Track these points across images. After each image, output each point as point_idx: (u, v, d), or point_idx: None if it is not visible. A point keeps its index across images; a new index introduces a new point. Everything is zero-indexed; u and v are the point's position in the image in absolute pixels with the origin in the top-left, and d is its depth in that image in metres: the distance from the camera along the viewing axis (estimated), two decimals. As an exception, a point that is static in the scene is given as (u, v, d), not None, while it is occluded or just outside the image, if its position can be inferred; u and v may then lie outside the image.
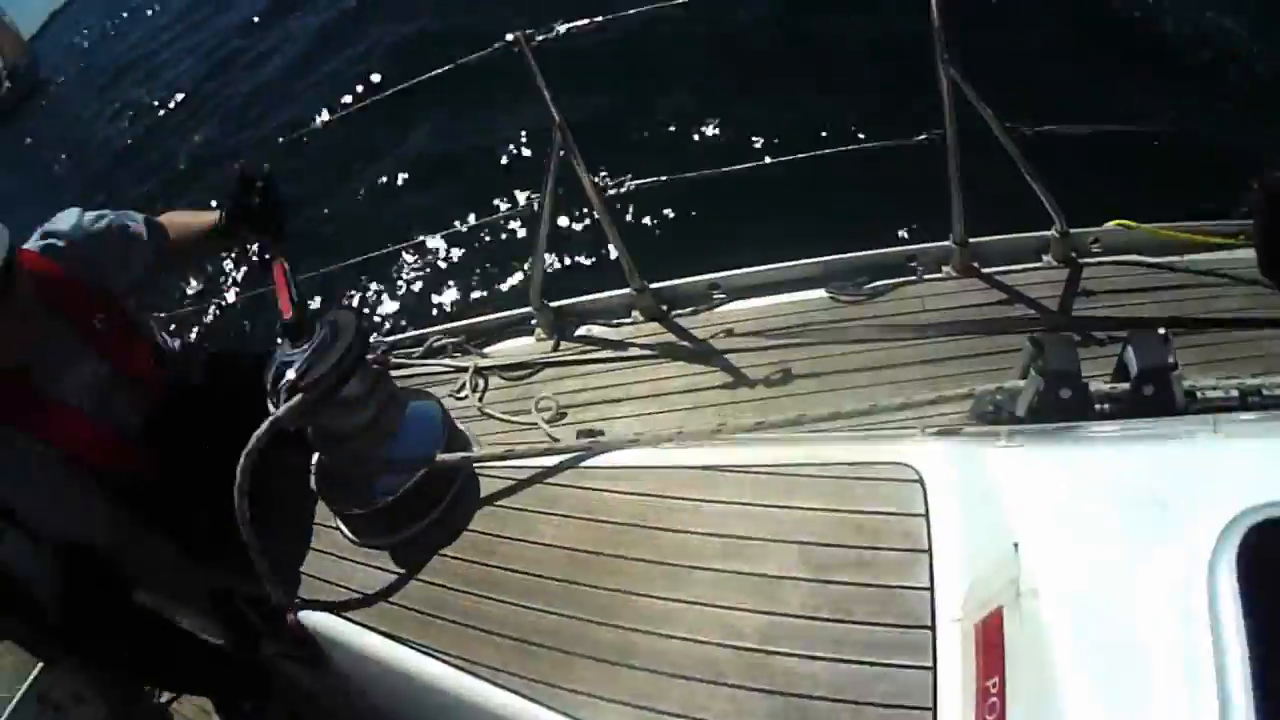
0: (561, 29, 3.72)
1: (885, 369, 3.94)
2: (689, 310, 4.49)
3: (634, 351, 4.33)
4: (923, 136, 3.96)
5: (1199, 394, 3.34)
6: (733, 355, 4.19)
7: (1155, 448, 2.13)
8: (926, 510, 2.33)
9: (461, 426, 3.81)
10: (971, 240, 4.26)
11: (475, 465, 2.82)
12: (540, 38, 3.68)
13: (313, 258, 5.29)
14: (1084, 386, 3.21)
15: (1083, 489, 2.04)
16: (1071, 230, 4.24)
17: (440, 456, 2.71)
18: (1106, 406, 3.29)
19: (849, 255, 4.41)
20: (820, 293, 4.35)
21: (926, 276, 4.33)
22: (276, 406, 2.33)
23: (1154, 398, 3.20)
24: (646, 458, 2.70)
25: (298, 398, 2.28)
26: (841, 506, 2.42)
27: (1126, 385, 3.21)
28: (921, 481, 2.40)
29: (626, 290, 4.48)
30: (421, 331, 4.65)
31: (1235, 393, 3.36)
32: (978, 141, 3.87)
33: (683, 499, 2.55)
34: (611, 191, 4.06)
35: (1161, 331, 3.16)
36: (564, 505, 2.66)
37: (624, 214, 7.52)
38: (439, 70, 3.97)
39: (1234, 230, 4.21)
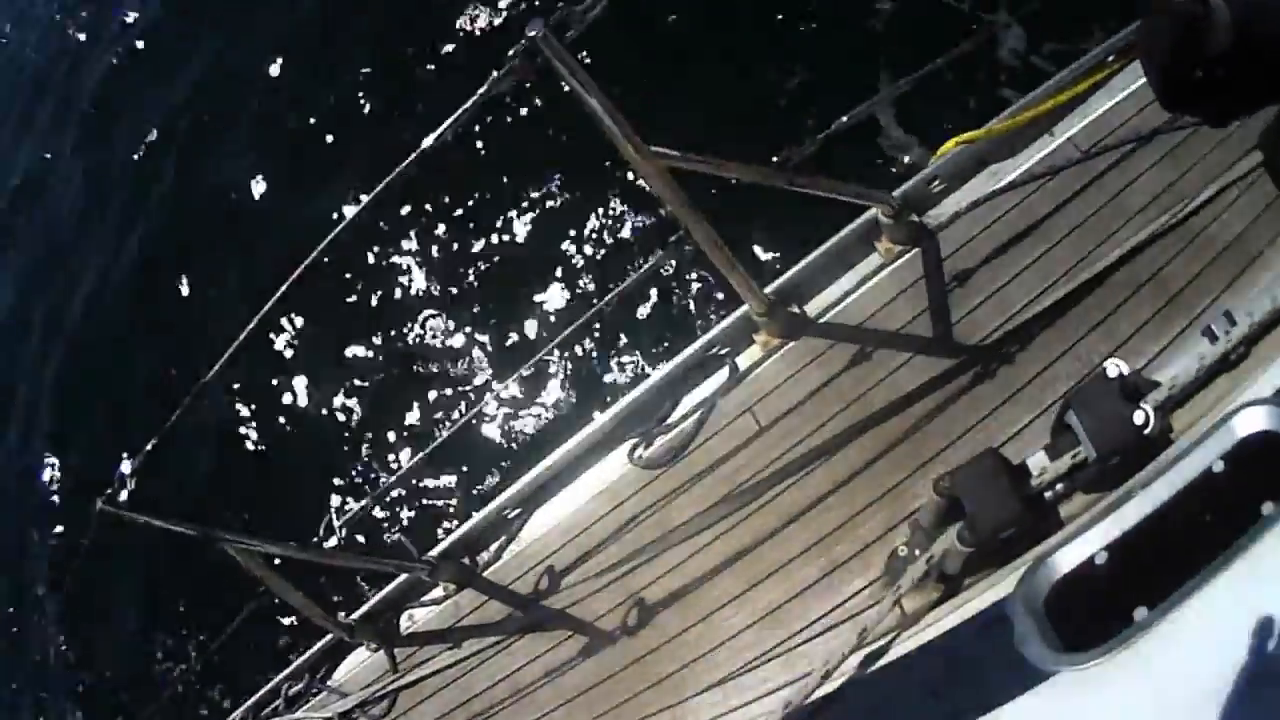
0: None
1: (739, 563, 2.86)
2: (494, 552, 3.47)
3: (469, 647, 3.39)
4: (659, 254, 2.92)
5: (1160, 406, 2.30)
6: (573, 607, 3.14)
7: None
8: None
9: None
10: (771, 291, 3.05)
11: None
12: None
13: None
14: (1027, 518, 2.25)
15: None
16: (900, 193, 3.06)
17: None
18: (1060, 488, 2.36)
19: (638, 392, 3.27)
20: (623, 462, 3.24)
21: (742, 368, 3.14)
22: None
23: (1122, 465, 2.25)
24: None
25: None
26: None
27: (1079, 456, 2.27)
28: None
29: (421, 565, 3.44)
30: (273, 683, 3.99)
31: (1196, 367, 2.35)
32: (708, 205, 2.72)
33: None
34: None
35: (1111, 373, 2.24)
36: None
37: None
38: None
39: (1098, 59, 3.05)
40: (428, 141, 2.22)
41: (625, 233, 5.62)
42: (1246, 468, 1.94)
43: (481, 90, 2.08)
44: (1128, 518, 2.07)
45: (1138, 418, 2.14)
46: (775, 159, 2.80)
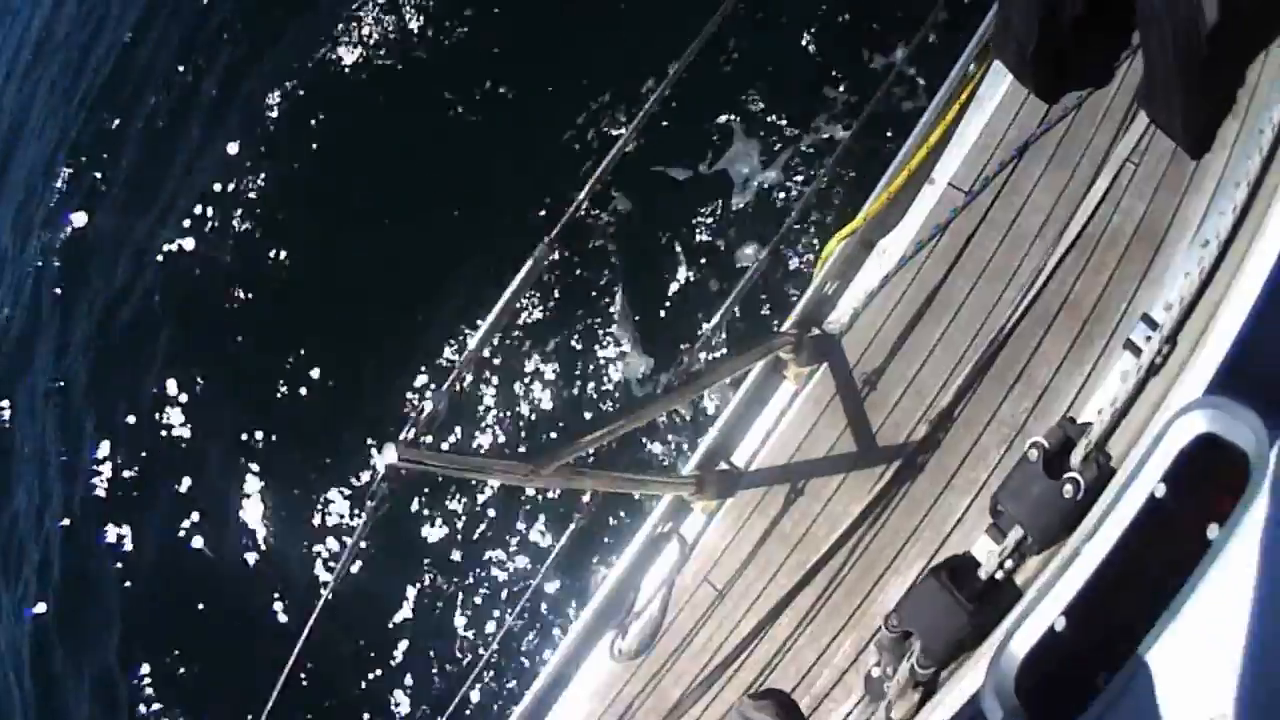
0: None
1: None
2: None
3: None
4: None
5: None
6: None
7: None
8: None
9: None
10: (693, 467, 3.10)
11: None
12: None
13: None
14: (976, 623, 2.26)
15: None
16: (792, 322, 3.09)
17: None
18: (1010, 564, 2.31)
19: (605, 589, 3.24)
20: (606, 660, 3.19)
21: (690, 538, 3.15)
22: None
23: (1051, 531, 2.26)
24: None
25: None
26: None
27: (1020, 535, 2.26)
28: None
29: None
30: None
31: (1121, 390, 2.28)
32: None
33: None
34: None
35: (1032, 454, 2.20)
36: None
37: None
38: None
39: (960, 75, 3.02)
40: (333, 580, 2.29)
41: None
42: (1189, 482, 1.89)
43: (364, 521, 2.11)
44: (1077, 577, 2.01)
45: (1066, 491, 2.12)
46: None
